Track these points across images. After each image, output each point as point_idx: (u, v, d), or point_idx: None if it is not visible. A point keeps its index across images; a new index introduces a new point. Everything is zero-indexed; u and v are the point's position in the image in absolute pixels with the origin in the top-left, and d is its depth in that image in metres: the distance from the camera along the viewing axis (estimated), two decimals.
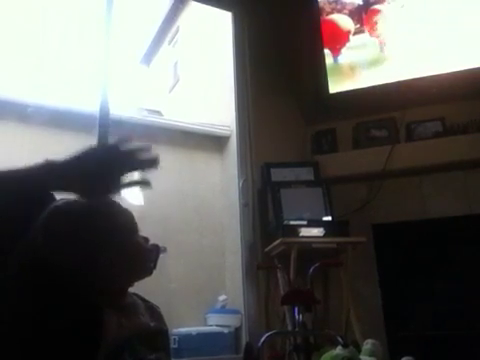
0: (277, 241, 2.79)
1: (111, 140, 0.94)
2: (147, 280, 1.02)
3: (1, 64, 5.40)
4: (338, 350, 1.96)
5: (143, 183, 0.95)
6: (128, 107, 5.74)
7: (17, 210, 0.88)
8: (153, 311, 1.04)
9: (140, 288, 1.05)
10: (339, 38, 3.35)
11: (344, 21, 3.36)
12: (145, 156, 0.94)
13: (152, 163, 0.94)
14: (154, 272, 1.02)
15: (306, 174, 3.18)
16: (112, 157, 0.92)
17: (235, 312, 4.46)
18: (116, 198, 0.98)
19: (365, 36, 3.30)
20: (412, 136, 3.23)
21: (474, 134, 3.04)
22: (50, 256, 0.81)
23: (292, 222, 2.85)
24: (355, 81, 3.27)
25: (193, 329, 4.54)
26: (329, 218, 2.96)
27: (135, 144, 0.94)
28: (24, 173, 0.89)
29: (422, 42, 3.18)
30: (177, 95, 7.74)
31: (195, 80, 7.02)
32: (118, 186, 0.92)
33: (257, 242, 3.11)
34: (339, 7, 3.37)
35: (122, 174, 0.92)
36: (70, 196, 0.91)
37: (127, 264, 0.93)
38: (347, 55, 3.32)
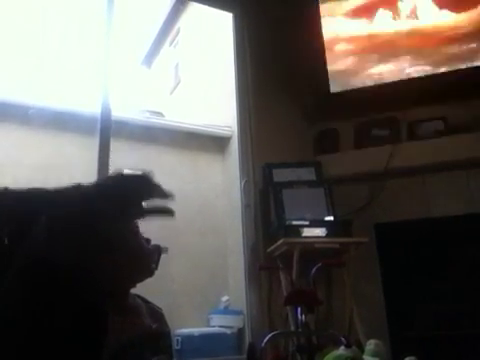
0: (279, 241, 2.79)
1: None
2: (149, 281, 1.02)
3: (2, 66, 5.41)
4: (341, 350, 1.95)
5: (167, 212, 0.97)
6: (130, 109, 5.74)
7: (19, 210, 0.88)
8: (155, 313, 1.04)
9: (142, 289, 1.05)
10: None
11: None
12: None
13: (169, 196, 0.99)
14: (156, 273, 1.02)
15: (308, 174, 3.17)
16: (141, 185, 0.94)
17: (238, 313, 4.46)
18: None
19: None
20: (414, 135, 3.23)
21: (476, 133, 3.03)
22: (51, 257, 0.81)
23: (294, 222, 2.85)
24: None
25: (196, 330, 4.54)
26: (331, 218, 2.95)
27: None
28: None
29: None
30: (178, 96, 7.74)
31: (196, 81, 7.02)
32: (143, 211, 0.95)
33: (259, 243, 3.10)
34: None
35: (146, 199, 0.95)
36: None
37: (129, 265, 0.93)
38: None
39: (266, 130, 3.34)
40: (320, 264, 2.53)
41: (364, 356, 2.11)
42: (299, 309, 2.36)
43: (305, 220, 2.86)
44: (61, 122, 4.52)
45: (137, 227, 1.00)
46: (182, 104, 7.40)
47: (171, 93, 8.04)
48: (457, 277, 2.94)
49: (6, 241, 0.86)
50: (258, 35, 3.52)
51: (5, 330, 0.76)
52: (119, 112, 4.07)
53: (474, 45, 3.09)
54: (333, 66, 3.32)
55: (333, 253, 2.91)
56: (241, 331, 4.46)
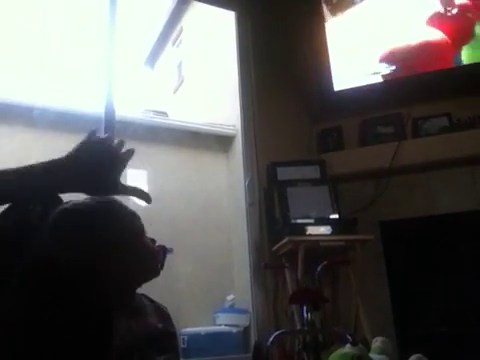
0: (284, 240, 2.79)
1: (98, 138, 0.98)
2: (155, 281, 1.02)
3: (6, 68, 5.42)
4: (347, 348, 1.95)
5: (143, 195, 0.98)
6: (133, 109, 5.75)
7: (21, 213, 0.88)
8: (161, 312, 1.04)
9: (148, 289, 1.05)
10: None
11: None
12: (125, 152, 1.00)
13: (131, 154, 1.00)
14: (162, 273, 1.02)
15: (312, 172, 3.17)
16: (107, 155, 0.95)
17: (243, 311, 4.46)
18: (122, 199, 0.98)
19: None
20: (418, 132, 3.22)
21: None
22: (57, 259, 0.81)
23: (299, 221, 2.84)
24: None
25: (201, 329, 4.55)
26: (336, 216, 2.95)
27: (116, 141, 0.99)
28: (21, 176, 0.89)
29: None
30: (182, 96, 7.75)
31: (200, 80, 7.03)
32: (117, 185, 0.96)
33: (264, 241, 3.10)
34: None
35: (118, 173, 0.95)
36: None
37: (134, 266, 0.93)
38: None
39: (270, 128, 3.33)
40: (325, 262, 2.53)
41: (370, 354, 2.10)
42: (305, 307, 2.36)
43: (310, 218, 2.86)
44: (65, 122, 4.53)
45: (142, 227, 1.00)
46: (186, 103, 7.41)
47: (174, 92, 8.05)
48: (463, 274, 2.93)
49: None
50: (261, 33, 3.52)
51: (10, 331, 0.76)
52: (123, 112, 4.08)
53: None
54: (337, 63, 3.30)
55: (338, 251, 2.91)
56: (247, 330, 4.47)
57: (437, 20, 3.18)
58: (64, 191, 0.91)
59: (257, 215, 3.17)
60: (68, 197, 0.98)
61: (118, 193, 0.98)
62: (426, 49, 3.18)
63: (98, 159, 0.93)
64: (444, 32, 3.13)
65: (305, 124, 3.45)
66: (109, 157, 0.95)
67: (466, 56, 3.09)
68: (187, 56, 7.80)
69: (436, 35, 3.16)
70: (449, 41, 3.11)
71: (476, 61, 3.07)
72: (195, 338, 4.38)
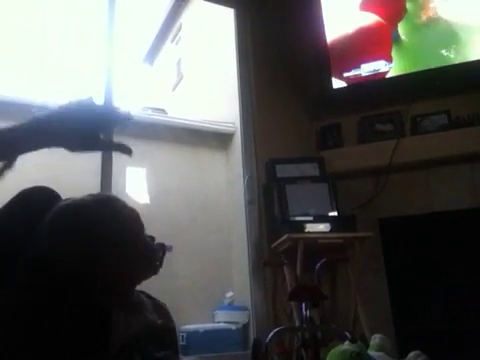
0: (283, 237, 2.79)
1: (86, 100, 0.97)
2: (154, 278, 1.02)
3: (5, 65, 5.41)
4: (346, 345, 1.95)
5: (124, 149, 0.97)
6: (132, 106, 5.75)
7: (22, 210, 0.88)
8: (160, 309, 1.04)
9: (147, 286, 1.05)
10: None
11: None
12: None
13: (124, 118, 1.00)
14: (161, 270, 1.02)
15: (311, 170, 3.17)
16: (93, 114, 0.95)
17: (242, 309, 4.48)
18: (121, 196, 0.98)
19: None
20: (417, 129, 3.21)
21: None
22: (55, 256, 0.81)
23: (298, 218, 2.85)
24: None
25: (201, 326, 4.56)
26: (335, 213, 2.95)
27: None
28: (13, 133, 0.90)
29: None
30: (181, 93, 7.74)
31: (199, 77, 7.02)
32: (99, 142, 0.95)
33: (263, 238, 3.10)
34: None
35: (102, 131, 0.95)
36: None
37: (133, 263, 0.93)
38: None
39: (269, 126, 3.33)
40: (324, 259, 2.53)
41: (369, 351, 2.10)
42: (303, 304, 2.36)
43: (309, 215, 2.86)
44: None
45: (141, 224, 1.00)
46: (184, 101, 7.41)
47: (173, 90, 8.05)
48: (462, 271, 2.94)
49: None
50: (260, 30, 3.51)
51: (10, 329, 0.76)
52: (122, 109, 4.07)
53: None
54: (336, 61, 3.30)
55: (337, 248, 2.91)
56: (246, 327, 4.48)
57: (370, 3, 3.31)
58: (40, 145, 0.90)
59: (256, 212, 3.18)
60: (68, 195, 0.99)
61: (100, 149, 0.99)
62: (363, 33, 3.28)
63: (82, 116, 0.93)
64: (378, 14, 3.25)
65: (304, 121, 3.45)
66: (95, 114, 0.95)
67: (402, 31, 3.22)
68: (186, 53, 7.79)
69: (371, 18, 3.26)
70: (384, 21, 3.23)
71: (413, 34, 3.17)
72: (194, 335, 4.39)
